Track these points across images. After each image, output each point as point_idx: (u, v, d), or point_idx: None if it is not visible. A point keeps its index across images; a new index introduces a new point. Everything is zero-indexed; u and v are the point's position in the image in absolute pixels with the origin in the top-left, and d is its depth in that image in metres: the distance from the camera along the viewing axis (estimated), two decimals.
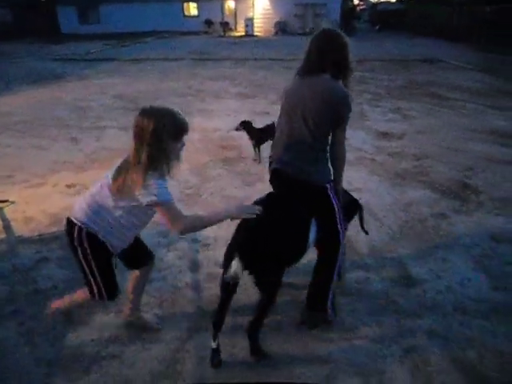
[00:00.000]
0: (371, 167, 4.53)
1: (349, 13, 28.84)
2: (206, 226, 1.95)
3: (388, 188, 4.04)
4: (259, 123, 6.22)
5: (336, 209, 2.12)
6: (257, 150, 4.64)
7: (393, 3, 35.27)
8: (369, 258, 2.90)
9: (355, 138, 5.53)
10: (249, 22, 27.13)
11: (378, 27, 29.50)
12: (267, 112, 6.99)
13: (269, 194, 2.17)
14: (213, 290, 2.46)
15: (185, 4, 30.33)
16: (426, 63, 12.45)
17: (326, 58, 1.99)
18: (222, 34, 27.03)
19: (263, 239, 1.86)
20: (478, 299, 2.50)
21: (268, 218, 1.86)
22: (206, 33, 28.31)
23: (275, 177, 2.23)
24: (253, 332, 2.02)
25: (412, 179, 4.23)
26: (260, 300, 1.97)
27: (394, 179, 4.23)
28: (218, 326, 1.97)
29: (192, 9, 30.68)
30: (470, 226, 3.32)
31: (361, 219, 2.49)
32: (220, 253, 2.08)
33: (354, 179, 4.20)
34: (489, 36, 17.81)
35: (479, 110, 7.02)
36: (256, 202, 2.02)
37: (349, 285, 2.61)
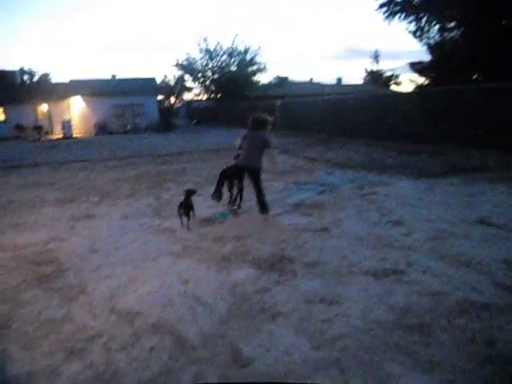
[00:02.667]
0: (198, 255, 4.72)
1: (166, 111, 31.03)
2: None
3: (215, 273, 4.24)
4: (82, 228, 5.98)
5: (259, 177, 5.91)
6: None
7: (204, 101, 39.28)
8: (202, 349, 2.93)
9: (180, 229, 5.74)
10: (66, 125, 26.49)
11: (194, 122, 32.35)
12: (92, 215, 6.75)
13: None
14: None
15: None
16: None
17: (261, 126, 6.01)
18: (37, 138, 25.60)
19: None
20: (301, 362, 2.75)
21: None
22: (18, 138, 26.38)
23: (239, 167, 6.19)
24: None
25: (236, 260, 4.54)
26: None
27: (220, 263, 4.47)
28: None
29: None
30: (288, 295, 3.69)
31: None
32: None
33: (183, 270, 4.30)
34: (281, 124, 21.47)
35: (285, 187, 8.13)
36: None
37: None
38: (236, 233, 5.45)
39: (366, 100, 16.65)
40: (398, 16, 18.96)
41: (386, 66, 54.87)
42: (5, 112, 28.36)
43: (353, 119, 15.99)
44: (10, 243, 5.47)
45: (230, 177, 6.48)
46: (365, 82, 52.58)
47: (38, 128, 26.58)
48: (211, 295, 3.74)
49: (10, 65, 78.56)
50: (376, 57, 54.24)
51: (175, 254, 4.80)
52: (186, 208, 5.68)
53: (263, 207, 5.98)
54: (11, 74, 35.67)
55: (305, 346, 2.91)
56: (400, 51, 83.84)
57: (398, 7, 18.63)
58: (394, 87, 51.75)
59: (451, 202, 6.54)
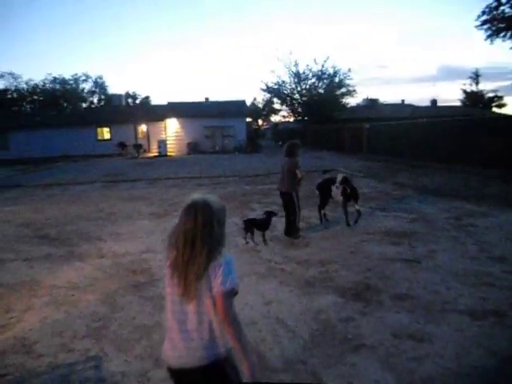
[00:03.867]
0: (281, 277, 4.73)
1: (254, 133, 32.04)
2: (240, 341, 1.72)
3: (298, 296, 4.21)
4: None
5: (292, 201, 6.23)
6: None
7: (291, 122, 39.85)
8: (283, 373, 2.91)
9: (265, 249, 5.82)
10: (161, 144, 28.55)
11: (280, 143, 32.88)
12: None
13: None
14: None
15: (98, 129, 31.35)
16: (325, 173, 13.87)
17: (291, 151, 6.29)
18: (136, 155, 27.90)
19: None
20: None
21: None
22: (119, 155, 29.04)
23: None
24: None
25: (320, 285, 4.47)
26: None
27: (304, 287, 4.44)
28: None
29: (105, 133, 31.76)
30: (374, 326, 3.53)
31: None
32: None
33: (266, 291, 4.35)
34: (368, 148, 21.00)
35: (372, 213, 7.86)
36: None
37: None
38: (321, 258, 5.38)
39: (460, 123, 15.59)
40: (502, 34, 17.62)
41: (486, 87, 50.73)
42: (110, 131, 31.47)
43: (447, 144, 15.01)
44: (110, 251, 5.99)
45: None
46: (463, 104, 49.32)
47: (138, 146, 29.02)
48: (294, 319, 3.71)
49: (118, 89, 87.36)
50: (476, 77, 50.61)
51: (259, 275, 4.87)
52: (261, 226, 6.10)
53: (288, 231, 6.32)
54: (118, 97, 39.69)
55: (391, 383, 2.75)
56: (504, 70, 77.29)
57: (504, 24, 17.31)
58: (496, 110, 47.77)
59: None
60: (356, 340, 3.32)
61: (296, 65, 34.04)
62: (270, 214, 6.13)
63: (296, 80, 34.69)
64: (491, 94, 50.15)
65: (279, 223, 7.23)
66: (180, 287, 1.73)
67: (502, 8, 17.05)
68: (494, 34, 17.90)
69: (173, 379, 1.83)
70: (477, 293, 4.12)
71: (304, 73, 34.34)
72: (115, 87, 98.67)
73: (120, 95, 40.92)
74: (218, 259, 1.73)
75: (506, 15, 17.11)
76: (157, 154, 28.34)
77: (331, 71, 33.93)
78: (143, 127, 31.79)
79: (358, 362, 3.02)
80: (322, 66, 33.82)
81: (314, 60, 34.11)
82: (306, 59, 47.26)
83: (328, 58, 33.74)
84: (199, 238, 1.71)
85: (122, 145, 29.90)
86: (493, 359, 3.00)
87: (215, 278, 1.71)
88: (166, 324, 1.86)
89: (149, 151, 30.86)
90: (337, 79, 34.23)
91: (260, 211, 8.31)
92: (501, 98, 49.75)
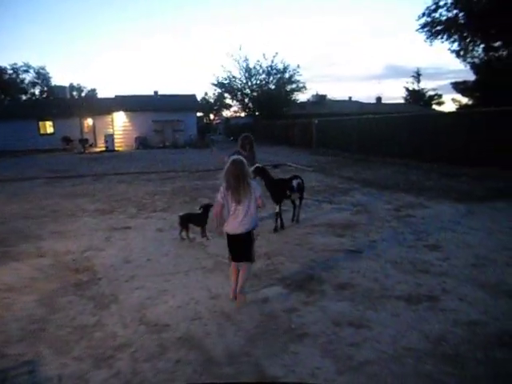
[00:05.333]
0: (228, 271, 4.73)
1: (205, 128, 31.77)
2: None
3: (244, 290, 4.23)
4: (118, 239, 6.16)
5: None
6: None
7: (243, 117, 39.89)
8: (227, 366, 2.92)
9: (212, 243, 5.80)
10: (109, 138, 27.60)
11: (232, 138, 32.89)
12: (128, 226, 6.95)
13: None
14: None
15: (40, 122, 29.74)
16: (276, 168, 14.04)
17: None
18: (82, 150, 26.81)
19: None
20: None
21: None
22: (64, 150, 27.78)
23: None
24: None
25: (265, 278, 4.52)
26: None
27: (250, 280, 4.47)
28: None
29: (48, 127, 30.23)
30: (316, 315, 3.63)
31: None
32: None
33: (212, 285, 4.34)
34: (317, 143, 21.50)
35: (318, 206, 8.07)
36: None
37: None
38: (267, 250, 5.45)
39: (404, 119, 16.35)
40: (440, 35, 18.62)
41: (427, 86, 53.62)
42: (54, 125, 29.96)
43: (391, 139, 15.71)
44: (50, 250, 5.72)
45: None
46: (406, 102, 51.71)
47: (83, 141, 27.86)
48: (239, 312, 3.74)
49: (62, 81, 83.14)
50: (417, 76, 53.26)
51: (206, 269, 4.85)
52: (198, 221, 6.01)
53: None
54: (61, 89, 37.82)
55: (331, 370, 2.85)
56: (443, 70, 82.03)
57: (441, 27, 18.30)
58: (436, 107, 50.56)
59: (493, 228, 6.26)
60: (299, 329, 3.40)
61: (246, 60, 34.13)
62: (206, 208, 5.97)
63: (246, 75, 34.78)
64: (432, 93, 53.03)
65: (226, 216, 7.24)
66: (236, 199, 3.76)
67: (439, 11, 18.02)
68: (432, 36, 18.89)
69: (230, 240, 3.97)
70: (413, 279, 4.36)
71: (254, 68, 34.50)
72: (59, 79, 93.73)
73: (64, 87, 39.03)
74: (251, 183, 3.81)
75: (443, 18, 18.11)
76: (104, 149, 27.36)
77: (281, 67, 34.35)
78: (89, 121, 30.57)
79: (300, 350, 3.10)
80: (272, 62, 34.15)
81: (264, 55, 34.37)
82: (257, 55, 47.46)
83: (277, 54, 34.17)
84: (242, 176, 3.74)
85: (67, 139, 28.60)
86: (425, 341, 3.18)
87: (254, 190, 3.81)
88: (227, 216, 3.91)
89: (95, 146, 29.74)
90: (287, 75, 34.69)
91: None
92: (440, 96, 52.79)
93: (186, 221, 5.97)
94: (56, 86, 41.13)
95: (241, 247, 3.87)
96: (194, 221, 6.03)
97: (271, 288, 4.25)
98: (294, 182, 6.59)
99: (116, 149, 27.64)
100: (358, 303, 3.84)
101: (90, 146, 28.89)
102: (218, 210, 3.90)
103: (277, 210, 6.41)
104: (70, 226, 7.12)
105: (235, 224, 3.80)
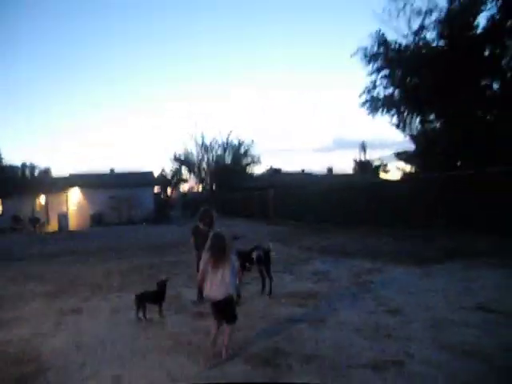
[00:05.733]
0: (188, 350, 4.49)
1: (163, 203, 31.66)
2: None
3: (206, 371, 3.99)
4: (69, 323, 5.74)
5: None
6: None
7: (200, 192, 40.28)
8: None
9: (172, 322, 5.55)
10: (62, 217, 26.73)
11: (190, 213, 32.82)
12: (81, 309, 6.53)
13: None
14: None
15: None
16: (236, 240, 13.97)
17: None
18: (32, 229, 25.67)
19: None
20: None
21: None
22: (14, 229, 26.43)
23: None
24: None
25: (229, 356, 4.32)
26: None
27: (212, 359, 4.24)
28: None
29: None
30: None
31: None
32: None
33: (172, 367, 4.07)
34: (274, 213, 21.94)
35: (280, 277, 8.01)
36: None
37: None
38: None
39: (355, 188, 17.19)
40: (380, 111, 20.36)
41: (373, 155, 57.53)
42: (2, 204, 28.75)
43: (344, 207, 16.33)
44: None
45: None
46: (355, 172, 54.58)
47: (34, 220, 26.76)
48: None
49: (14, 159, 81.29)
50: (363, 147, 56.99)
51: (165, 350, 4.57)
52: (156, 298, 5.76)
53: None
54: (12, 168, 36.95)
55: None
56: (386, 141, 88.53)
57: (379, 103, 20.10)
58: (383, 175, 53.65)
59: (449, 288, 6.44)
60: None
61: (202, 137, 35.36)
62: (161, 284, 5.80)
63: (203, 151, 35.84)
64: (378, 162, 56.59)
65: (187, 293, 7.03)
66: (215, 266, 4.16)
67: (377, 89, 19.92)
68: (373, 111, 20.64)
69: (212, 305, 4.28)
70: (377, 345, 4.32)
71: (211, 144, 35.72)
72: (11, 158, 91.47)
73: (15, 166, 38.19)
74: (231, 256, 4.30)
75: (381, 96, 19.97)
76: (56, 229, 26.32)
77: (236, 142, 35.79)
78: (42, 199, 29.65)
79: None
80: (227, 139, 35.58)
81: (219, 132, 35.93)
82: (213, 131, 49.60)
83: (231, 132, 35.77)
84: (225, 249, 4.22)
85: (17, 219, 27.36)
86: None
87: (233, 262, 4.32)
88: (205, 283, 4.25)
89: (48, 225, 28.58)
90: (242, 150, 36.08)
91: (168, 283, 8.00)
92: (386, 165, 56.35)
93: (142, 300, 5.70)
94: (7, 166, 40.18)
95: (221, 311, 4.24)
96: (151, 299, 5.78)
97: (235, 366, 4.04)
98: (254, 254, 6.53)
99: (70, 228, 26.68)
100: (326, 375, 3.72)
101: (42, 225, 27.72)
102: (201, 278, 4.29)
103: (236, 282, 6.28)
104: (15, 312, 6.56)
105: (213, 290, 4.15)
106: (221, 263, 4.12)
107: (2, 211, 28.64)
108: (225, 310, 4.24)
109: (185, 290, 7.24)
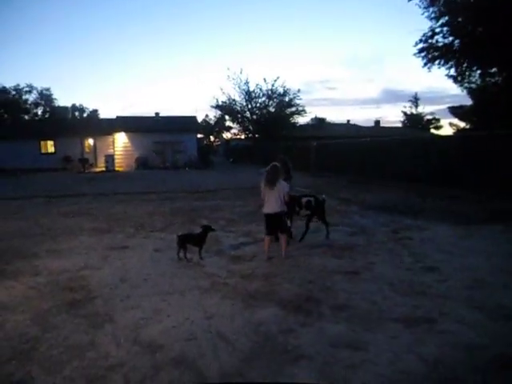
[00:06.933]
0: (224, 292, 4.70)
1: (206, 149, 32.01)
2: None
3: (240, 310, 4.19)
4: (115, 258, 6.13)
5: None
6: None
7: (242, 140, 40.20)
8: None
9: (210, 264, 5.78)
10: (109, 158, 27.74)
11: (231, 160, 33.13)
12: (126, 246, 6.92)
13: None
14: None
15: (41, 142, 29.91)
16: None
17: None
18: (82, 170, 26.91)
19: None
20: None
21: None
22: (64, 169, 27.85)
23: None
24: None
25: (262, 299, 4.48)
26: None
27: (246, 301, 4.43)
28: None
29: (49, 146, 30.39)
30: (313, 337, 3.59)
31: None
32: None
33: (208, 305, 4.30)
34: (316, 165, 21.55)
35: (317, 227, 8.03)
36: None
37: None
38: (264, 271, 5.42)
39: (402, 142, 16.50)
40: (437, 61, 18.93)
41: (425, 110, 54.29)
42: (55, 145, 30.14)
43: (389, 162, 15.81)
44: (46, 268, 5.68)
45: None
46: (404, 126, 52.21)
47: (84, 160, 27.99)
48: (235, 332, 3.69)
49: (65, 101, 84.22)
50: (415, 100, 53.95)
51: (202, 289, 4.81)
52: (197, 242, 6.01)
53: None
54: (63, 109, 38.31)
55: None
56: (441, 95, 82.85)
57: (438, 53, 18.62)
58: (433, 131, 51.01)
59: (491, 250, 6.24)
60: (295, 351, 3.35)
61: (247, 83, 34.63)
62: (206, 229, 6.05)
63: (247, 98, 35.22)
64: (429, 117, 53.57)
65: (225, 238, 7.23)
66: (270, 188, 5.80)
67: (436, 37, 18.37)
68: (430, 61, 19.15)
69: (268, 219, 5.94)
70: (410, 302, 4.32)
71: (254, 91, 34.97)
72: (63, 100, 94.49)
73: (66, 107, 39.56)
74: (281, 181, 5.90)
75: (440, 44, 18.44)
76: (104, 169, 27.46)
77: (281, 91, 34.81)
78: (90, 141, 30.78)
79: (296, 372, 3.04)
80: (273, 86, 34.62)
81: (264, 79, 34.89)
82: (257, 78, 48.22)
83: (278, 78, 34.60)
84: (277, 175, 5.89)
85: (68, 159, 28.73)
86: (423, 365, 3.13)
87: (283, 187, 5.86)
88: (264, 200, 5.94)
89: (96, 166, 29.86)
90: (287, 99, 35.14)
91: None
92: (438, 120, 53.25)
93: (184, 241, 5.95)
94: (58, 107, 41.72)
95: (275, 223, 5.88)
96: (193, 241, 6.01)
97: (268, 309, 4.21)
98: (303, 200, 6.97)
99: (116, 169, 27.75)
100: (356, 325, 3.80)
101: (91, 165, 29.00)
102: (262, 199, 5.99)
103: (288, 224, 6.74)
104: (66, 244, 7.08)
105: (269, 207, 5.84)
106: (274, 186, 5.75)
107: (55, 151, 30.05)
108: (278, 222, 5.88)
109: (223, 235, 7.47)
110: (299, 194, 7.47)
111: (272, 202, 5.81)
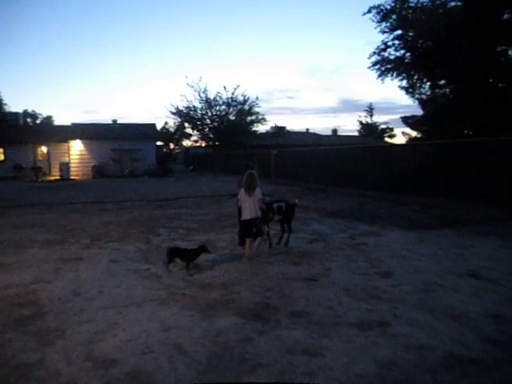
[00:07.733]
0: (183, 302, 4.64)
1: (165, 157, 31.53)
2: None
3: (198, 320, 4.14)
4: (68, 270, 5.89)
5: None
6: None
7: (202, 147, 39.99)
8: None
9: (167, 274, 5.68)
10: (64, 167, 26.76)
11: (191, 168, 32.84)
12: (80, 257, 6.68)
13: None
14: None
15: None
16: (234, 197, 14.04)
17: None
18: (34, 178, 25.75)
19: None
20: None
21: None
22: (15, 178, 26.51)
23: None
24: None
25: (221, 308, 4.45)
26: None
27: (205, 311, 4.39)
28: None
29: None
30: (271, 345, 3.60)
31: None
32: None
33: (166, 317, 4.22)
34: (275, 173, 21.88)
35: (276, 235, 8.11)
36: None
37: None
38: (224, 280, 5.39)
39: (359, 151, 17.02)
40: (390, 74, 19.76)
41: (380, 119, 56.46)
42: (4, 152, 28.69)
43: (346, 169, 16.26)
44: None
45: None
46: (360, 134, 53.92)
47: (37, 169, 26.79)
48: (192, 344, 3.64)
49: (16, 106, 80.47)
50: (370, 110, 56.01)
51: (160, 300, 4.72)
52: (189, 257, 5.84)
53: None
54: (14, 115, 36.54)
55: None
56: (394, 105, 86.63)
57: (391, 65, 19.46)
58: (388, 140, 53.04)
59: (441, 254, 6.54)
60: (253, 360, 3.35)
61: (205, 91, 34.54)
62: (202, 248, 5.89)
63: (206, 106, 35.13)
64: (384, 126, 55.77)
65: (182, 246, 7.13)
66: (250, 194, 6.17)
67: (388, 50, 19.21)
68: (383, 73, 19.99)
69: (243, 224, 6.40)
70: (365, 306, 4.44)
71: (215, 99, 34.94)
72: (14, 105, 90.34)
73: (17, 113, 37.74)
74: (257, 188, 6.22)
75: (392, 57, 19.29)
76: (59, 178, 26.41)
77: (241, 99, 34.99)
78: (44, 149, 29.54)
79: (254, 381, 3.04)
80: (233, 94, 34.74)
81: (225, 87, 34.95)
82: (218, 86, 48.18)
83: (238, 86, 34.77)
84: (256, 182, 6.24)
85: (19, 167, 27.40)
86: (377, 367, 3.22)
87: (258, 193, 6.19)
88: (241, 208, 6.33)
89: (50, 174, 28.66)
90: (246, 107, 35.35)
91: (166, 236, 8.14)
92: (391, 129, 55.61)
93: (173, 254, 5.81)
94: (9, 113, 39.75)
95: (251, 228, 6.23)
96: (182, 255, 5.84)
97: (226, 318, 4.18)
98: (275, 205, 7.10)
99: (72, 177, 26.77)
100: (313, 331, 3.85)
101: (44, 174, 27.80)
102: (239, 205, 6.44)
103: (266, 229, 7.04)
104: (15, 257, 6.73)
105: (247, 213, 6.22)
106: (253, 192, 6.13)
107: (4, 159, 28.60)
108: (254, 226, 6.23)
109: (182, 245, 7.36)
110: (269, 200, 7.54)
111: (251, 208, 6.18)
